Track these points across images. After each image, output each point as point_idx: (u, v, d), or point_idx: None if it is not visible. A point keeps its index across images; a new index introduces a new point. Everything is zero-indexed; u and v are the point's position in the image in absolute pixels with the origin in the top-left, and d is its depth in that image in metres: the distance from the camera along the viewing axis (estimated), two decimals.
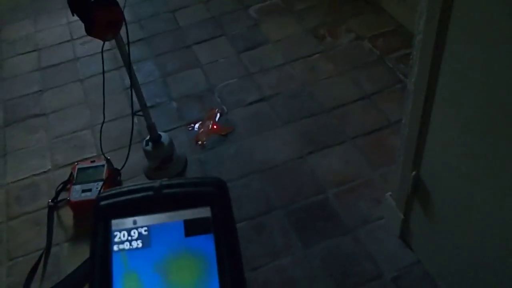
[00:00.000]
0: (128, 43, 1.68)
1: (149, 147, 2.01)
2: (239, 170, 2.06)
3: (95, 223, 0.58)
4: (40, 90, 2.63)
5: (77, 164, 2.09)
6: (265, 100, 2.35)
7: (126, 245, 0.57)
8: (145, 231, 0.58)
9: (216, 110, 2.34)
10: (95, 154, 2.22)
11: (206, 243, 0.57)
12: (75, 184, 2.00)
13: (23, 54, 2.89)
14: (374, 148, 2.06)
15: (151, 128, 1.97)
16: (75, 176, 2.04)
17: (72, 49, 2.86)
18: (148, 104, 1.94)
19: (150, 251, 0.57)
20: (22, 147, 2.33)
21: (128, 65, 1.75)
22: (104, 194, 0.60)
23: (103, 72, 1.80)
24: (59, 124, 2.41)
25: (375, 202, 1.87)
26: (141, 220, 0.58)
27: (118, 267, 0.56)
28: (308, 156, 2.07)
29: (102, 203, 0.59)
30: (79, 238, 1.93)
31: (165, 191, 0.59)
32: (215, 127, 2.26)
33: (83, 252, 1.84)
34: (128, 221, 0.58)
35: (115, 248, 0.57)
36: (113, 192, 0.60)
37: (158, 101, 2.43)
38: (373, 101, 2.25)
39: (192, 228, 0.58)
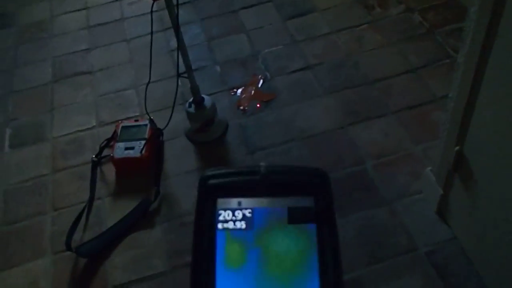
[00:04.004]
0: (178, 3, 1.69)
1: (191, 109, 2.04)
2: (279, 137, 2.08)
3: (200, 200, 0.59)
4: (88, 48, 2.67)
5: (121, 122, 2.14)
6: (308, 68, 2.35)
7: (230, 225, 0.58)
8: (249, 213, 0.58)
9: (259, 76, 2.34)
10: (138, 114, 2.26)
11: (308, 233, 0.57)
12: (118, 141, 2.05)
13: (72, 12, 2.93)
14: (416, 122, 2.04)
15: (195, 90, 1.99)
16: (118, 133, 2.08)
17: (120, 9, 2.89)
18: (192, 67, 1.96)
19: (253, 233, 0.57)
20: (68, 103, 2.39)
21: (176, 26, 1.77)
22: (210, 173, 0.60)
23: (151, 33, 1.82)
24: (104, 82, 2.46)
25: (414, 176, 1.86)
26: (246, 202, 0.58)
27: (221, 244, 0.57)
28: (349, 127, 2.07)
29: (210, 181, 0.59)
30: (120, 193, 1.98)
31: (271, 176, 0.59)
32: (257, 93, 2.27)
33: (124, 207, 1.90)
34: (234, 202, 0.58)
35: (220, 226, 0.58)
36: (219, 172, 0.60)
37: (202, 64, 2.45)
38: (419, 75, 2.22)
39: (295, 216, 0.58)
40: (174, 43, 2.45)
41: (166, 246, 1.79)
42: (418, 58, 2.29)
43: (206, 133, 2.10)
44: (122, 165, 2.01)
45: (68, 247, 1.77)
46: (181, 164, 2.04)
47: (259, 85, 2.30)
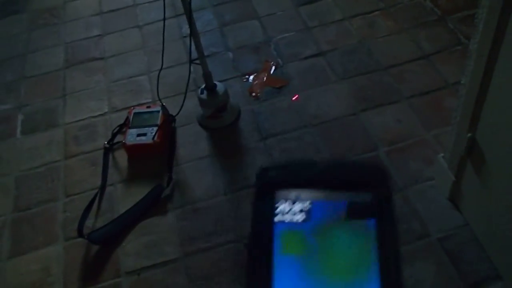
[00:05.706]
0: None
1: (204, 95, 2.04)
2: (292, 123, 2.07)
3: (259, 191, 0.59)
4: (100, 34, 2.68)
5: (133, 109, 2.14)
6: (321, 55, 2.33)
7: (288, 217, 0.58)
8: (307, 205, 0.58)
9: (272, 62, 2.34)
10: (150, 100, 2.26)
11: (367, 228, 0.57)
12: (130, 127, 2.06)
13: None
14: (429, 108, 2.03)
15: (207, 76, 1.99)
16: (131, 120, 2.09)
17: None
18: (205, 53, 1.96)
19: (311, 226, 0.57)
20: (81, 89, 2.40)
21: (188, 12, 1.76)
22: (268, 165, 0.60)
23: (164, 19, 1.82)
24: (117, 68, 2.47)
25: (426, 162, 1.86)
26: (304, 194, 0.58)
27: (278, 236, 0.57)
28: (362, 113, 2.06)
29: (269, 173, 0.60)
30: (132, 180, 1.99)
31: (330, 170, 0.59)
32: (270, 79, 2.26)
33: (136, 193, 1.91)
34: (292, 194, 0.59)
35: (277, 218, 0.58)
36: (277, 164, 0.61)
37: (215, 50, 2.44)
38: (431, 62, 2.21)
39: (354, 211, 0.57)
40: (186, 29, 2.45)
41: (179, 233, 1.80)
42: (430, 44, 2.28)
43: (219, 119, 2.10)
44: (134, 151, 2.02)
45: (80, 234, 1.78)
46: (193, 151, 2.04)
47: (272, 71, 2.30)
